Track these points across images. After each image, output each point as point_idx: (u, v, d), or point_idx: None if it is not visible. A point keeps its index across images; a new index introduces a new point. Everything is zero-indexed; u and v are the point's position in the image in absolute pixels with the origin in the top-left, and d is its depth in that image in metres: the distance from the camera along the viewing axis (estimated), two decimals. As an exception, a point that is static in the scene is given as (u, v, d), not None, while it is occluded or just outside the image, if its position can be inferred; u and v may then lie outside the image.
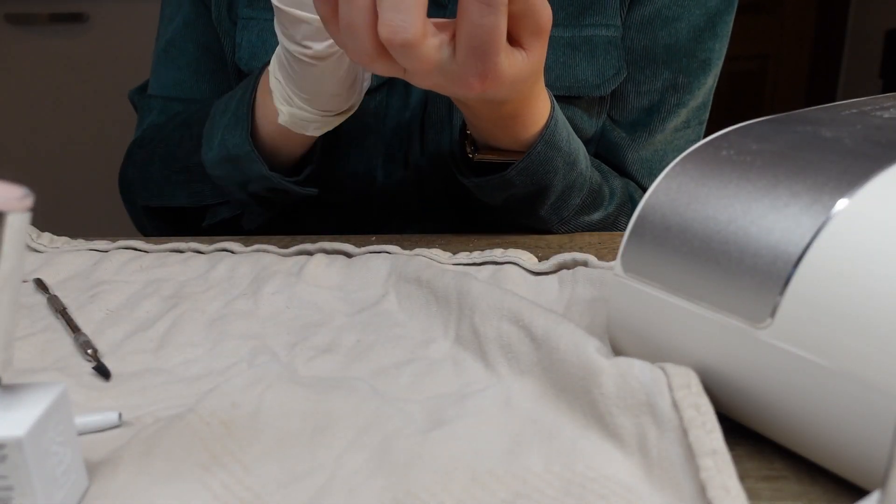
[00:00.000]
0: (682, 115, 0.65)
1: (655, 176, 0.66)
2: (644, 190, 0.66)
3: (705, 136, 0.34)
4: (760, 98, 2.48)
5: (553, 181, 0.52)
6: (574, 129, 0.59)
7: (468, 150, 0.53)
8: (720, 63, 0.65)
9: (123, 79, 1.91)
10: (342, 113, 0.50)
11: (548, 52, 0.58)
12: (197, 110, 0.60)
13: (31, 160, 1.88)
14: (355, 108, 0.51)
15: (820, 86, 2.43)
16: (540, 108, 0.48)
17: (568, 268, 0.46)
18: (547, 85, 0.59)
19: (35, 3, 1.76)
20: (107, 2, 1.75)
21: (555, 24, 0.58)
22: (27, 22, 1.77)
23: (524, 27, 0.40)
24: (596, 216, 0.59)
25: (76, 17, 1.76)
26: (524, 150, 0.50)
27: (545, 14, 0.40)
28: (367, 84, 0.50)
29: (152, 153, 0.62)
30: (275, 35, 0.59)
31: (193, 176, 0.58)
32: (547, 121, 0.49)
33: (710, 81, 0.65)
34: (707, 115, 0.67)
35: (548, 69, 0.58)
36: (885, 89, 2.18)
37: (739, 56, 2.42)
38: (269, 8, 0.60)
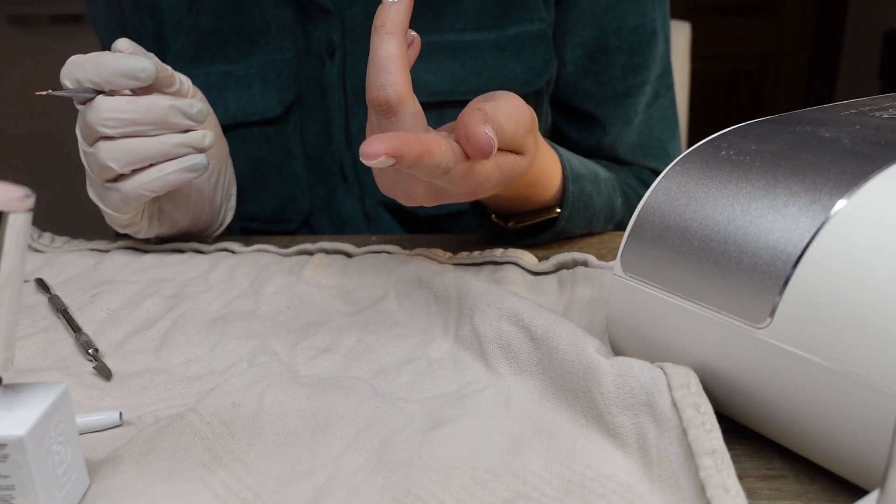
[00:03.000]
0: (648, 90, 0.65)
1: (652, 154, 0.66)
2: (648, 170, 0.67)
3: (705, 136, 0.34)
4: (760, 98, 2.48)
5: (595, 203, 0.53)
6: None
7: (498, 221, 0.53)
8: (667, 26, 0.65)
9: (123, 79, 1.91)
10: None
11: (475, 57, 0.58)
12: None
13: (32, 160, 1.88)
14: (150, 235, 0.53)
15: (819, 86, 2.43)
16: (548, 160, 0.49)
17: (568, 268, 0.46)
18: (477, 89, 0.59)
19: (36, 5, 1.76)
20: (107, 3, 1.75)
21: (479, 29, 0.58)
22: (28, 23, 1.77)
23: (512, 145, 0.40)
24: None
25: (77, 19, 1.76)
26: (554, 200, 0.51)
27: (522, 129, 0.40)
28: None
29: None
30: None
31: None
32: (561, 161, 0.50)
33: (662, 48, 0.65)
34: (672, 78, 0.67)
35: (476, 73, 0.59)
36: (884, 90, 2.18)
37: (739, 56, 2.42)
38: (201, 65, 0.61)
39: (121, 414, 0.33)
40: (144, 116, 0.45)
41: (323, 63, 0.59)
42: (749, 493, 0.27)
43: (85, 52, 0.46)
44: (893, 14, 2.24)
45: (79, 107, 0.46)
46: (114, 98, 0.44)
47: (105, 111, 0.44)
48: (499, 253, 0.48)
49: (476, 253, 0.49)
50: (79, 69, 0.45)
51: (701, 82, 2.10)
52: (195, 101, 0.46)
